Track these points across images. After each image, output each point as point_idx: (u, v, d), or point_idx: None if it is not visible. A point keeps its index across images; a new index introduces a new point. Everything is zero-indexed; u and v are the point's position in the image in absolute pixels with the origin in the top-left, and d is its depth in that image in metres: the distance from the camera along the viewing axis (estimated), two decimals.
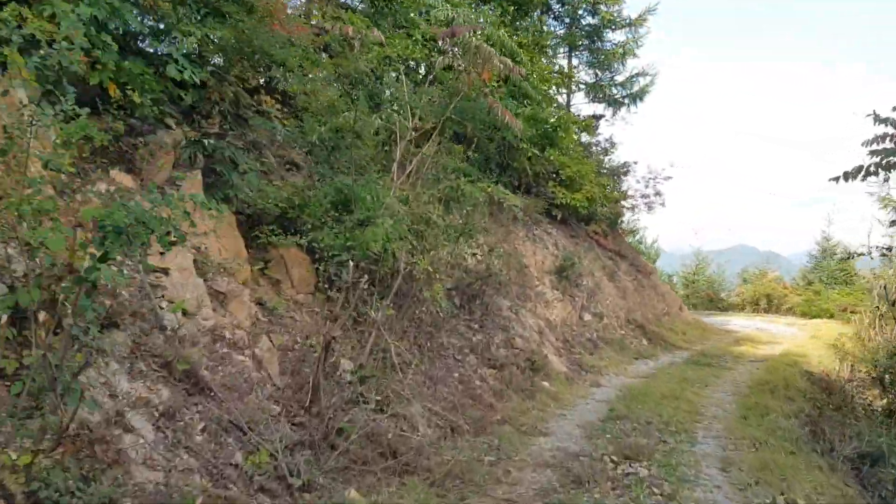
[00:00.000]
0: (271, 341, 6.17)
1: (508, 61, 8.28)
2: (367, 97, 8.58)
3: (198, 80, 6.44)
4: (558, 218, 16.92)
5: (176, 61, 6.32)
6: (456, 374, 8.51)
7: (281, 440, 4.67)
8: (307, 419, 5.35)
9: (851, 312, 29.18)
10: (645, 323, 17.00)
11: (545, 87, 14.20)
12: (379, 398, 6.31)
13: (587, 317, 14.96)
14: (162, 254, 5.85)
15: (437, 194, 8.33)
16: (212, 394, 4.62)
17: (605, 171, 19.85)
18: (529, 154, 12.80)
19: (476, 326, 10.36)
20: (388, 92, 9.26)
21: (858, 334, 16.33)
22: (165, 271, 5.60)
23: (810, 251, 35.24)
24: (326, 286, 7.47)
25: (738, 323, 24.23)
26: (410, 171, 8.25)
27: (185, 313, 5.35)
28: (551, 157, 15.84)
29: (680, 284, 36.80)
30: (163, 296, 5.34)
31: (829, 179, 7.54)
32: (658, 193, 20.14)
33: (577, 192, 16.91)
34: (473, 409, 7.61)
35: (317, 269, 7.43)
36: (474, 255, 10.78)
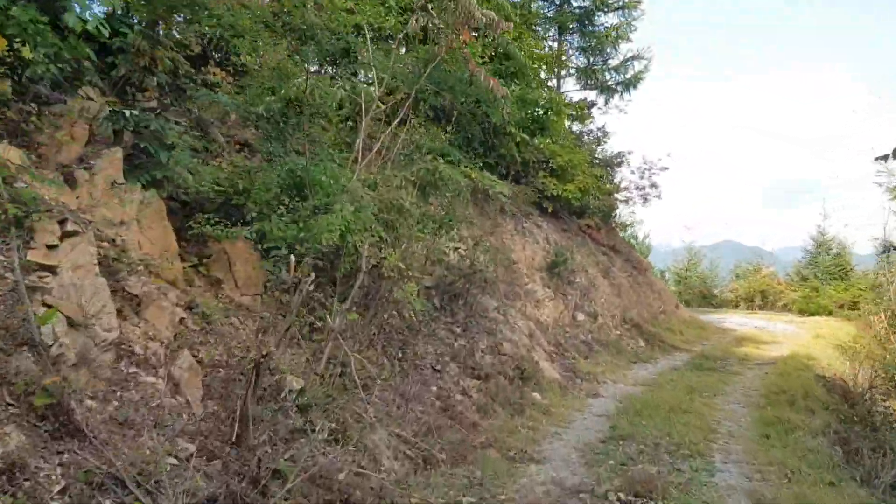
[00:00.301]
0: (197, 356, 4.95)
1: (492, 14, 7.04)
2: (323, 55, 7.33)
3: (107, 33, 5.17)
4: (549, 210, 15.77)
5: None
6: (433, 389, 7.32)
7: (185, 494, 3.46)
8: (232, 459, 4.15)
9: (850, 309, 28.37)
10: (641, 322, 15.89)
11: (535, 67, 13.00)
12: (333, 425, 5.11)
13: (581, 317, 13.83)
14: (53, 247, 4.69)
15: (410, 178, 7.11)
16: (88, 436, 3.40)
17: (597, 161, 18.71)
18: (518, 139, 11.61)
19: (458, 330, 9.18)
20: (354, 57, 8.02)
21: (877, 336, 15.30)
22: (52, 269, 4.37)
23: (805, 246, 34.31)
24: (278, 287, 6.28)
25: (735, 321, 23.21)
26: (379, 151, 7.04)
27: (71, 324, 4.13)
28: (541, 146, 14.70)
29: (672, 280, 35.81)
30: (43, 301, 4.11)
31: (876, 159, 6.39)
32: (654, 185, 19.06)
33: (569, 182, 15.77)
34: (452, 432, 6.41)
35: (267, 266, 6.23)
36: (456, 249, 9.60)
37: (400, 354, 7.42)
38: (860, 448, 7.06)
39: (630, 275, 17.81)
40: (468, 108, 10.09)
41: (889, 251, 16.30)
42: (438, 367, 7.97)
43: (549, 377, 9.66)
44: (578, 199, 15.87)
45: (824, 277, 32.50)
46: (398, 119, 7.23)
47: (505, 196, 9.34)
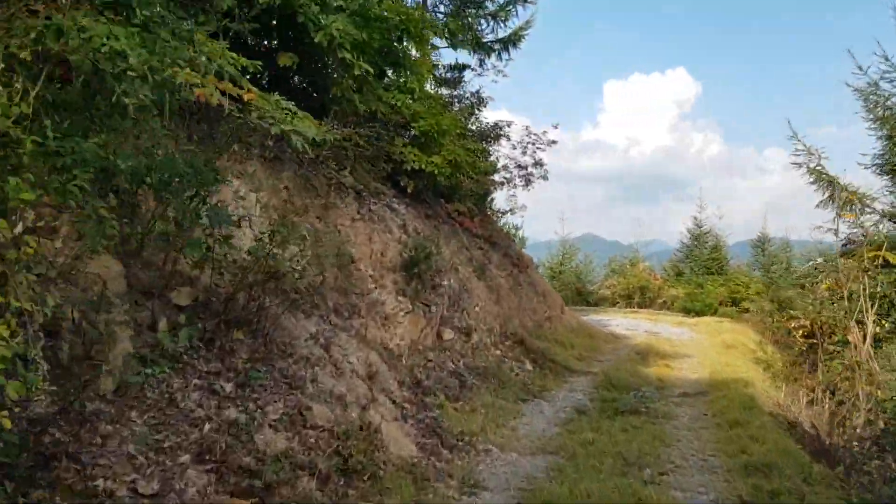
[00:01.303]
0: None
1: None
2: None
3: None
4: (409, 190, 11.85)
5: None
6: None
7: None
8: None
9: (730, 306, 26.84)
10: (525, 336, 12.35)
11: None
12: None
13: (449, 334, 10.00)
14: None
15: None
16: None
17: (471, 133, 15.03)
18: (357, 72, 7.51)
19: (228, 389, 4.97)
20: None
21: (796, 347, 12.69)
22: None
23: (681, 239, 32.85)
24: None
25: (622, 323, 20.51)
26: None
27: None
28: (395, 101, 10.74)
29: (546, 276, 33.26)
30: None
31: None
32: (539, 163, 15.62)
33: (435, 154, 11.94)
34: None
35: None
36: (228, 237, 5.41)
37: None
38: None
39: (510, 274, 14.29)
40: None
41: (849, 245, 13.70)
42: (153, 489, 3.75)
43: (398, 456, 5.68)
44: (447, 176, 12.05)
45: (701, 271, 31.14)
46: None
47: (314, 143, 5.20)
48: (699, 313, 23.62)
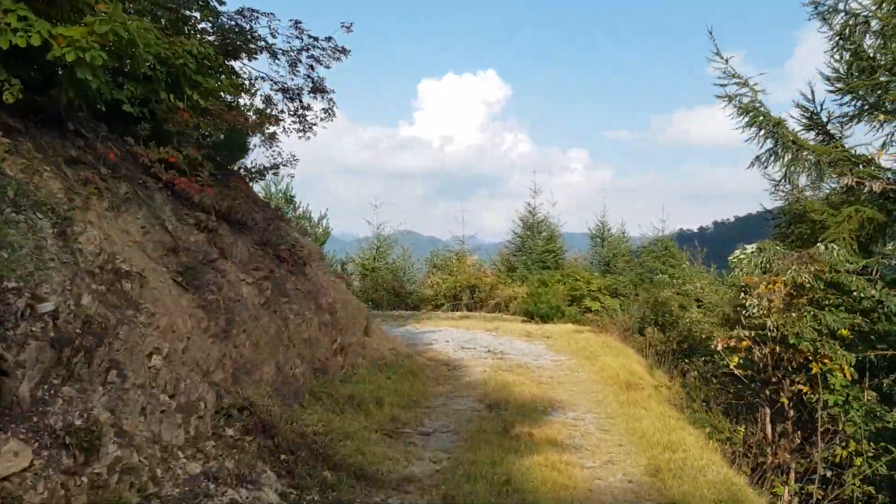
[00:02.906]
0: None
1: None
2: None
3: None
4: (7, 100, 5.19)
5: None
6: None
7: None
8: None
9: (571, 304, 22.52)
10: (273, 410, 6.07)
11: None
12: None
13: (14, 460, 3.53)
14: None
15: None
16: None
17: (194, 30, 8.51)
18: None
19: None
20: None
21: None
22: None
23: (513, 229, 28.28)
24: None
25: (453, 338, 14.96)
26: None
27: None
28: None
29: (357, 274, 27.18)
30: None
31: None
32: (322, 90, 9.35)
33: (76, 26, 5.40)
34: None
35: None
36: None
37: None
38: None
39: (267, 276, 7.88)
40: None
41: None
42: None
43: None
44: (96, 71, 5.52)
45: (535, 266, 26.76)
46: None
47: None
48: (544, 318, 18.78)
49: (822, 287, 8.27)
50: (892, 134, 9.30)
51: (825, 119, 10.05)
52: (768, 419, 8.35)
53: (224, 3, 8.57)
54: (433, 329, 16.94)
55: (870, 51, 9.35)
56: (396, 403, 7.73)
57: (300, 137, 9.59)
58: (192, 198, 7.48)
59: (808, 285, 8.04)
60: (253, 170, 9.59)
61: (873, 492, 7.58)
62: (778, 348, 8.00)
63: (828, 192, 10.29)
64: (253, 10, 8.55)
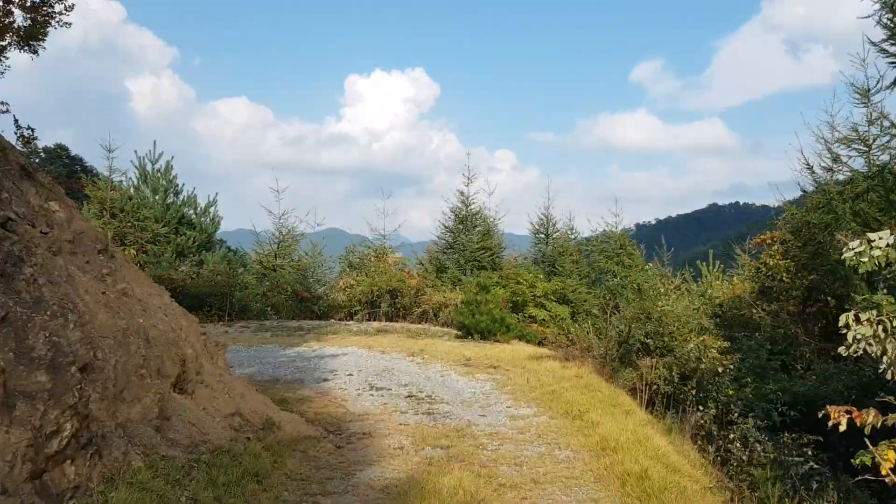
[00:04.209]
0: None
1: None
2: None
3: None
4: None
5: None
6: None
7: None
8: None
9: (513, 311, 18.29)
10: None
11: None
12: None
13: None
14: None
15: None
16: None
17: None
18: None
19: None
20: None
21: None
22: None
23: (443, 221, 23.80)
24: None
25: (361, 367, 10.40)
26: None
27: None
28: None
29: (253, 275, 22.15)
30: None
31: None
32: None
33: None
34: None
35: None
36: None
37: None
38: None
39: None
40: None
41: None
42: None
43: None
44: None
45: (470, 266, 22.41)
46: None
47: None
48: (484, 334, 14.43)
49: None
50: None
51: None
52: None
53: None
54: (337, 351, 12.30)
55: None
56: None
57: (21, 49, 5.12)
58: None
59: None
60: None
61: None
62: None
63: None
64: None
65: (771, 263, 13.89)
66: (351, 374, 9.94)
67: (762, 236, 14.62)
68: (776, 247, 14.10)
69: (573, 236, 24.36)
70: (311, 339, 14.17)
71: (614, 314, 11.73)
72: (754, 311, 13.28)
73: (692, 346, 9.53)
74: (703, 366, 9.39)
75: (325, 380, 9.50)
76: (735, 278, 14.51)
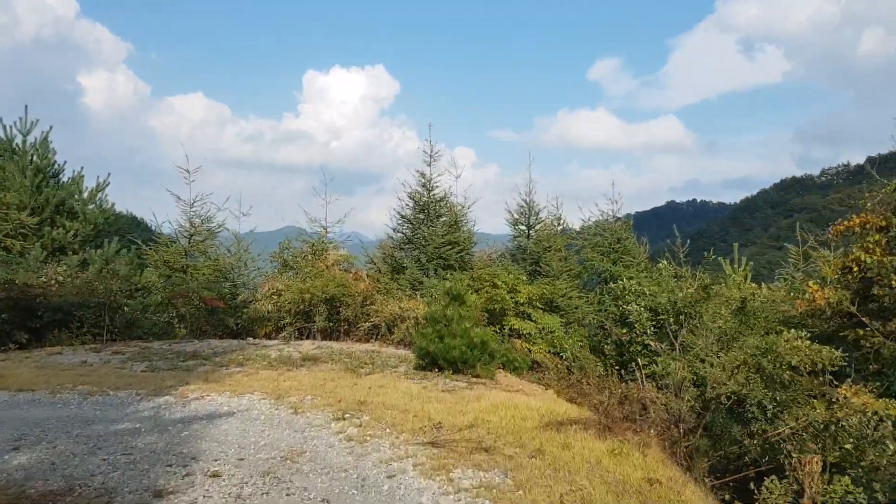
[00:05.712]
0: None
1: None
2: None
3: None
4: None
5: None
6: None
7: None
8: None
9: (490, 323, 13.59)
10: None
11: None
12: None
13: None
14: None
15: None
16: None
17: None
18: None
19: None
20: None
21: None
22: None
23: (400, 210, 18.96)
24: None
25: (243, 458, 5.70)
26: None
27: None
28: None
29: (158, 279, 17.07)
30: None
31: None
32: None
33: None
34: None
35: None
36: None
37: None
38: None
39: None
40: None
41: None
42: None
43: None
44: None
45: (434, 264, 17.74)
46: None
47: None
48: (458, 365, 9.80)
49: None
50: None
51: None
52: None
53: None
54: (223, 406, 7.54)
55: None
56: None
57: None
58: None
59: None
60: None
61: None
62: None
63: None
64: None
65: (869, 261, 9.61)
66: (216, 477, 5.21)
67: (849, 221, 10.29)
68: (874, 237, 9.81)
69: (559, 226, 19.90)
70: (198, 377, 9.35)
71: (682, 347, 7.20)
72: (861, 332, 8.94)
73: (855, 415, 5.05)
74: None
75: (159, 495, 4.77)
76: (811, 283, 10.20)
